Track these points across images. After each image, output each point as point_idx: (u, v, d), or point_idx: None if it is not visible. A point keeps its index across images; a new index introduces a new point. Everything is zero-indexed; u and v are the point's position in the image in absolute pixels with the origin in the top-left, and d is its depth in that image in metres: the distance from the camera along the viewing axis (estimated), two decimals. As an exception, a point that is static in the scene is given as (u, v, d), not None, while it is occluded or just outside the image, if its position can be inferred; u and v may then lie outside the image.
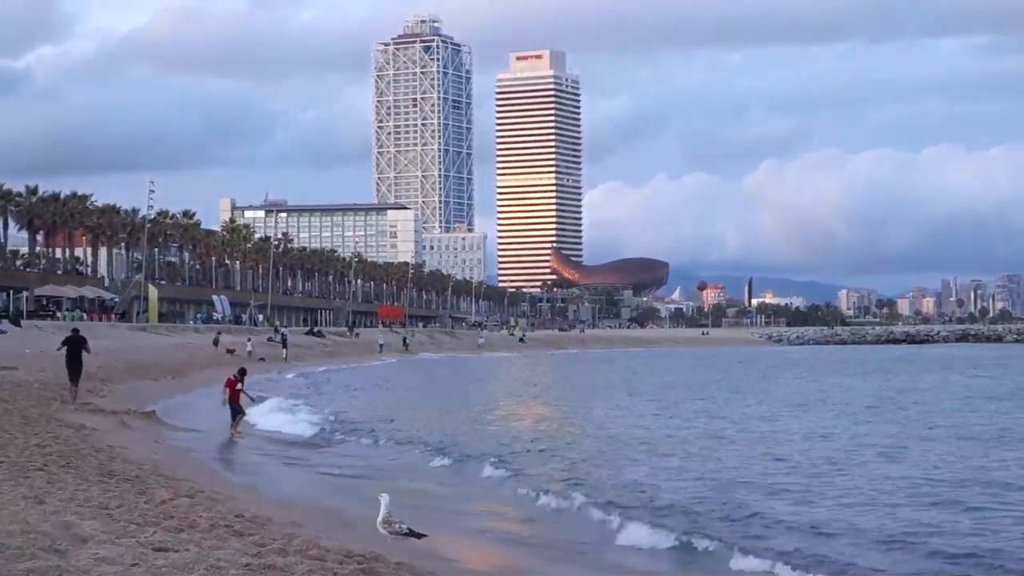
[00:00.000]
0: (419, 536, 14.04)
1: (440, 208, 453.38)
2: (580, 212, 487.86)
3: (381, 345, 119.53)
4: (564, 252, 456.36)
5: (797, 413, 43.45)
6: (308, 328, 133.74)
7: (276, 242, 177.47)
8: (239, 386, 32.15)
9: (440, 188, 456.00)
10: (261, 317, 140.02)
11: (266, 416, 37.28)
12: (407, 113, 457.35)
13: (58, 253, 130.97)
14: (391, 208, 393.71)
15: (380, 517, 14.05)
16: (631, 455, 28.78)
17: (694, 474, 24.87)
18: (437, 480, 24.67)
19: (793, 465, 26.36)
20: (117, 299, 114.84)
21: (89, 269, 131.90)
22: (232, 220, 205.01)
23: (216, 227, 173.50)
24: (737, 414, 42.72)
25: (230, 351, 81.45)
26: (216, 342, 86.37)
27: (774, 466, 26.19)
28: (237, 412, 31.95)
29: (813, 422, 39.05)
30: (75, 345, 34.99)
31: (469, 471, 26.07)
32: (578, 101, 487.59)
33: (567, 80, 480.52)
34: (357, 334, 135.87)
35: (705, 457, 28.09)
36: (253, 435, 32.58)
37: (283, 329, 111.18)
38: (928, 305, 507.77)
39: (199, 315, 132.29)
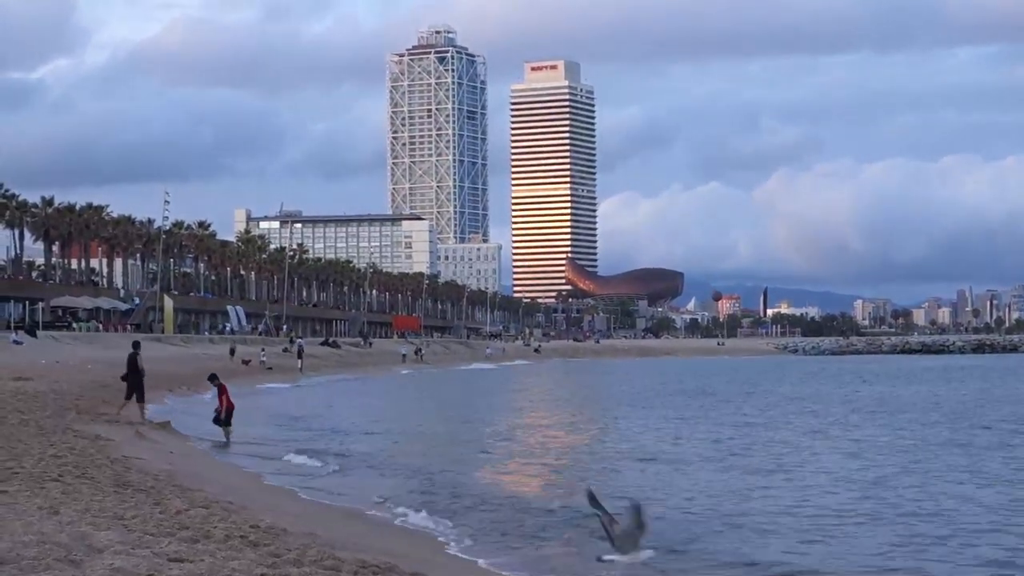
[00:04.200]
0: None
1: (455, 219, 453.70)
2: (595, 222, 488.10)
3: (404, 355, 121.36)
4: (579, 262, 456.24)
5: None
6: (323, 339, 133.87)
7: (291, 253, 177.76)
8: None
9: (455, 198, 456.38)
10: (286, 327, 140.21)
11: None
12: (422, 124, 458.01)
13: (74, 264, 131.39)
14: (406, 219, 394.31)
15: None
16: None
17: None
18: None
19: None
20: (136, 300, 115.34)
21: (105, 280, 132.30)
22: (247, 231, 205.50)
23: (231, 238, 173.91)
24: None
25: (245, 362, 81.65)
26: (232, 351, 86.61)
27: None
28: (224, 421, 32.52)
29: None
30: (132, 358, 34.75)
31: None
32: (593, 111, 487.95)
33: (581, 90, 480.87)
34: (370, 344, 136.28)
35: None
36: (264, 445, 32.63)
37: (298, 340, 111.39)
38: (943, 315, 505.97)
39: (214, 326, 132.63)
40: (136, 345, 36.68)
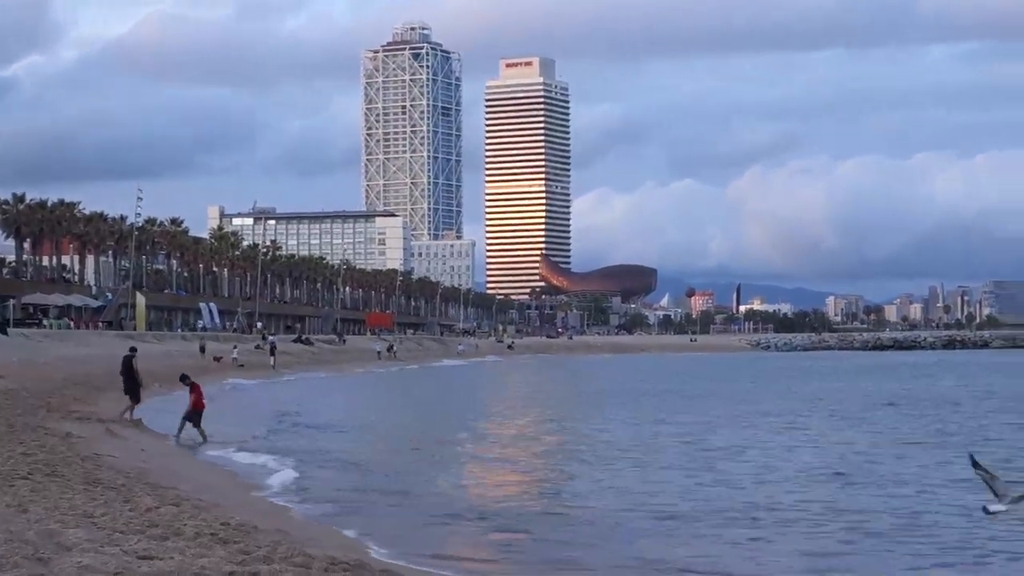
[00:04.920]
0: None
1: (429, 215, 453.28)
2: (569, 219, 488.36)
3: (379, 352, 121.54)
4: (553, 259, 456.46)
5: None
6: (296, 336, 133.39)
7: (264, 249, 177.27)
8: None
9: (429, 195, 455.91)
10: (259, 324, 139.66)
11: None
12: (396, 120, 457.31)
13: (45, 261, 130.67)
14: (380, 215, 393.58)
15: None
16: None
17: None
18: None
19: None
20: (108, 297, 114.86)
21: (76, 277, 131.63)
22: (220, 228, 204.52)
23: (204, 235, 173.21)
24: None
25: (217, 359, 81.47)
26: (203, 349, 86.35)
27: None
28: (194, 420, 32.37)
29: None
30: (128, 361, 35.62)
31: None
32: (567, 108, 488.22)
33: (556, 87, 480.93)
34: (344, 341, 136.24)
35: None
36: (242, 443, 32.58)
37: (271, 337, 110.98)
38: (915, 311, 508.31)
39: (187, 323, 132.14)
40: (133, 349, 37.37)
